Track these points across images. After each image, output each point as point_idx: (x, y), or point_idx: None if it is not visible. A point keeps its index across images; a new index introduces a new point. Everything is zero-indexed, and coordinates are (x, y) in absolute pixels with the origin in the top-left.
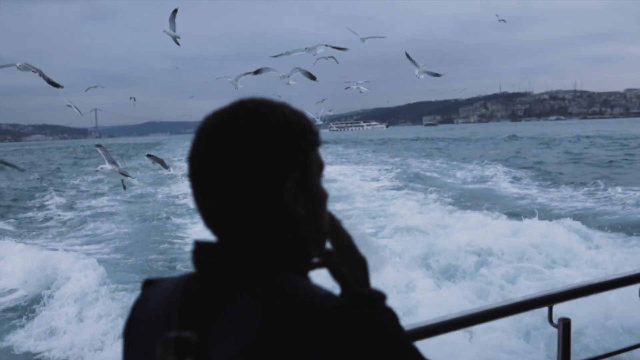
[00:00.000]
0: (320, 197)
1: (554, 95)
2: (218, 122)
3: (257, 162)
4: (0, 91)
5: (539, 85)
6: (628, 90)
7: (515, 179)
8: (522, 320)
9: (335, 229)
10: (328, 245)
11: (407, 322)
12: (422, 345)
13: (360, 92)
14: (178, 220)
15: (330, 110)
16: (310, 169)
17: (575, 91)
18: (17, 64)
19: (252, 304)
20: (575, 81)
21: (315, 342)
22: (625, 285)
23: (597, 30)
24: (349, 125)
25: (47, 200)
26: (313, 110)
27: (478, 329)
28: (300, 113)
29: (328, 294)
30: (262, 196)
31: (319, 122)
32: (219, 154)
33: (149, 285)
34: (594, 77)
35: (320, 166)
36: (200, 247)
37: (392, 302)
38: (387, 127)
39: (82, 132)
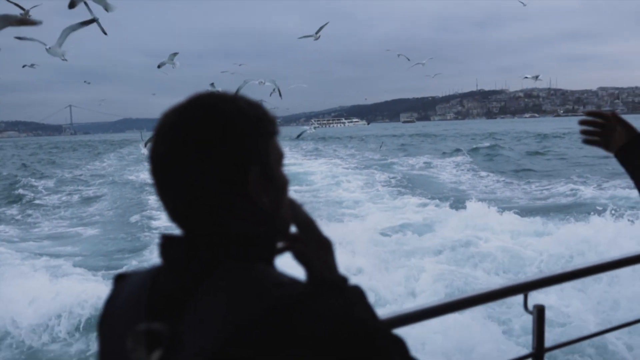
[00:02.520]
0: (282, 185)
1: (528, 93)
2: (176, 118)
3: (217, 156)
4: None
5: (515, 83)
6: (600, 88)
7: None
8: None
9: (297, 213)
10: (293, 229)
11: (384, 311)
12: (397, 333)
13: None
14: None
15: (312, 110)
16: (270, 159)
17: (549, 89)
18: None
19: (220, 296)
20: (550, 79)
21: (282, 329)
22: (597, 272)
23: (571, 30)
24: (330, 122)
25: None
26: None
27: (455, 316)
28: (256, 104)
29: (294, 281)
30: (225, 190)
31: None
32: (179, 151)
33: (120, 279)
34: (569, 75)
35: (279, 155)
36: (167, 241)
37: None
38: (368, 124)
39: (56, 129)
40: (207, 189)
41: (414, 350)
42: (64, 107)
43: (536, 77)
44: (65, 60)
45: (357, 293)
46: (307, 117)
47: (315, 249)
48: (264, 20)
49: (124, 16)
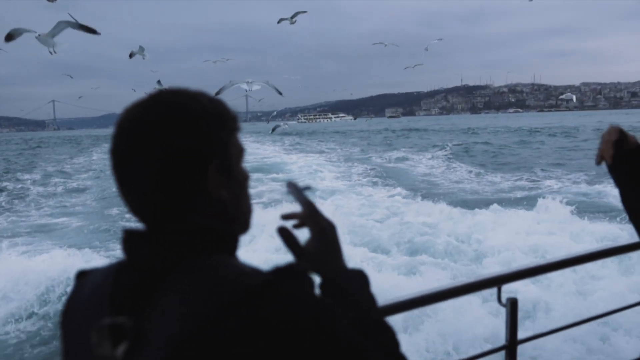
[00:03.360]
0: (242, 179)
1: (512, 89)
2: (136, 115)
3: (177, 153)
4: None
5: (500, 78)
6: (583, 84)
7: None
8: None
9: (299, 198)
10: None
11: None
12: None
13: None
14: None
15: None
16: (230, 155)
17: (533, 84)
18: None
19: (184, 289)
20: (534, 74)
21: (246, 319)
22: (569, 266)
23: (555, 26)
24: (317, 117)
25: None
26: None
27: (429, 309)
28: (217, 100)
29: (255, 271)
30: (185, 186)
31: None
32: (139, 147)
33: (82, 276)
34: (552, 70)
35: (240, 150)
36: (129, 236)
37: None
38: (355, 119)
39: (39, 124)
40: (167, 184)
41: None
42: (46, 102)
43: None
44: (55, 52)
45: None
46: (293, 112)
47: (318, 232)
48: (253, 16)
49: (108, 11)
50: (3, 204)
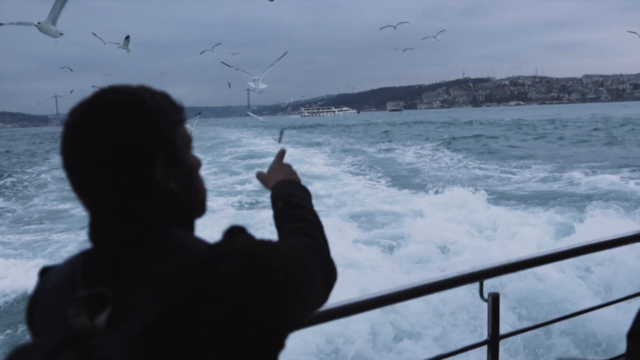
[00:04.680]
0: (191, 168)
1: (514, 81)
2: (81, 115)
3: (121, 150)
4: None
5: (502, 71)
6: (585, 76)
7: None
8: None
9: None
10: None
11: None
12: (357, 320)
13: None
14: None
15: (302, 96)
16: (176, 146)
17: (535, 77)
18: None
19: (155, 261)
20: (536, 67)
21: (217, 276)
22: (551, 262)
23: (557, 17)
24: (321, 110)
25: None
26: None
27: (411, 303)
28: (161, 94)
29: (209, 240)
30: (134, 180)
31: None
32: (85, 146)
33: (45, 272)
34: (554, 63)
35: (187, 140)
36: (94, 223)
37: None
38: (358, 112)
39: (42, 120)
40: (118, 181)
41: (367, 338)
42: (49, 98)
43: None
44: (61, 34)
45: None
46: (294, 106)
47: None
48: (249, 11)
49: (109, 5)
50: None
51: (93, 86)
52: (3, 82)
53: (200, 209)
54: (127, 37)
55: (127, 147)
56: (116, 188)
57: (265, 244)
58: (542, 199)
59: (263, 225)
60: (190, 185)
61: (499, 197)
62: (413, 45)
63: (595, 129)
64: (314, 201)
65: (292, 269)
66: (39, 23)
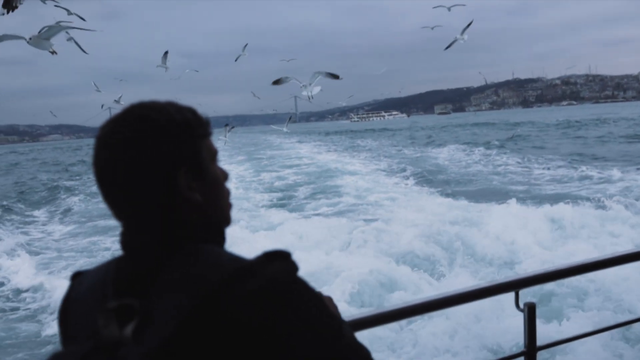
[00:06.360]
0: (216, 180)
1: (566, 80)
2: (110, 130)
3: (148, 163)
4: (16, 92)
5: (554, 70)
6: None
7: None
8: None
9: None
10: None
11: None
12: (385, 329)
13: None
14: None
15: (350, 96)
16: (200, 159)
17: (587, 75)
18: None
19: (184, 273)
20: (589, 65)
21: (237, 297)
22: (589, 271)
23: (611, 12)
24: (370, 115)
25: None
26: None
27: (445, 313)
28: (187, 108)
29: (241, 258)
30: (161, 192)
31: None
32: (114, 161)
33: (77, 276)
34: (608, 60)
35: (212, 153)
36: (124, 233)
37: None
38: (408, 116)
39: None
40: (146, 193)
41: (400, 349)
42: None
43: None
44: (55, 53)
45: (295, 266)
46: (342, 112)
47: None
48: (292, 18)
49: (153, 19)
50: None
51: (115, 100)
52: (61, 96)
53: (224, 220)
54: (166, 53)
55: (151, 159)
56: (141, 199)
57: (302, 281)
58: None
59: None
60: (216, 196)
61: None
62: (462, 49)
63: None
64: None
65: (317, 312)
66: (30, 39)
